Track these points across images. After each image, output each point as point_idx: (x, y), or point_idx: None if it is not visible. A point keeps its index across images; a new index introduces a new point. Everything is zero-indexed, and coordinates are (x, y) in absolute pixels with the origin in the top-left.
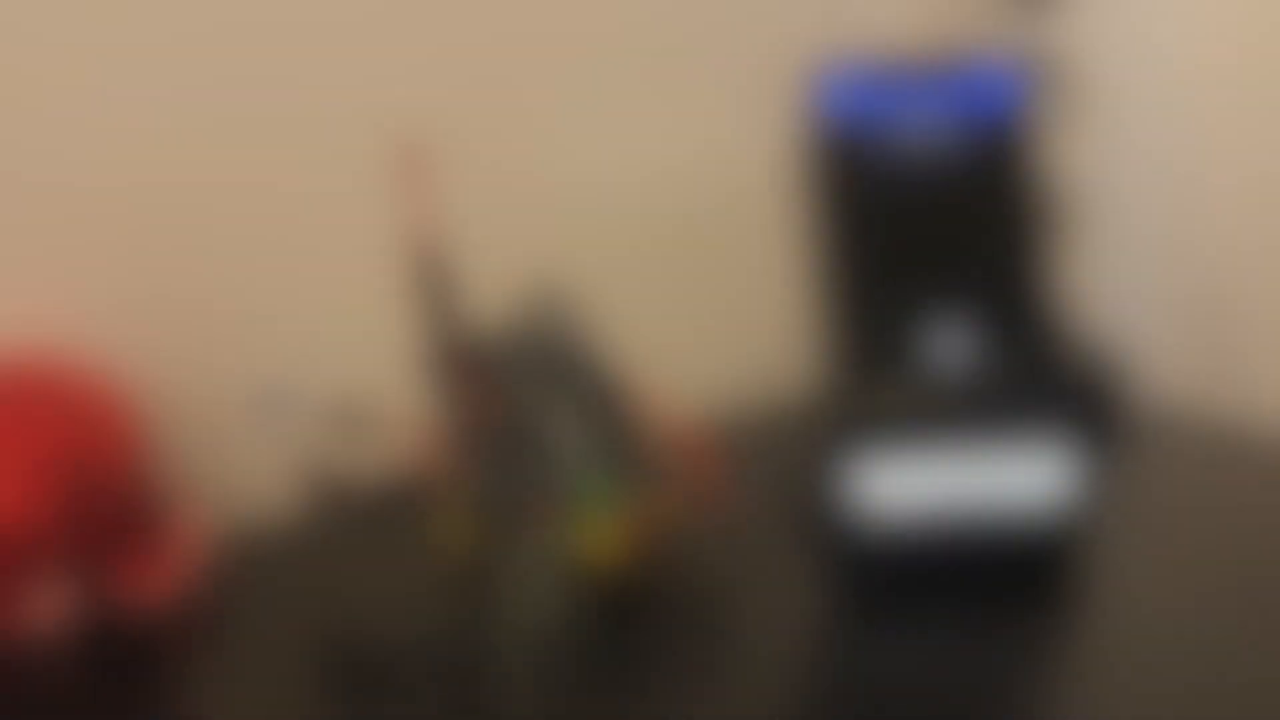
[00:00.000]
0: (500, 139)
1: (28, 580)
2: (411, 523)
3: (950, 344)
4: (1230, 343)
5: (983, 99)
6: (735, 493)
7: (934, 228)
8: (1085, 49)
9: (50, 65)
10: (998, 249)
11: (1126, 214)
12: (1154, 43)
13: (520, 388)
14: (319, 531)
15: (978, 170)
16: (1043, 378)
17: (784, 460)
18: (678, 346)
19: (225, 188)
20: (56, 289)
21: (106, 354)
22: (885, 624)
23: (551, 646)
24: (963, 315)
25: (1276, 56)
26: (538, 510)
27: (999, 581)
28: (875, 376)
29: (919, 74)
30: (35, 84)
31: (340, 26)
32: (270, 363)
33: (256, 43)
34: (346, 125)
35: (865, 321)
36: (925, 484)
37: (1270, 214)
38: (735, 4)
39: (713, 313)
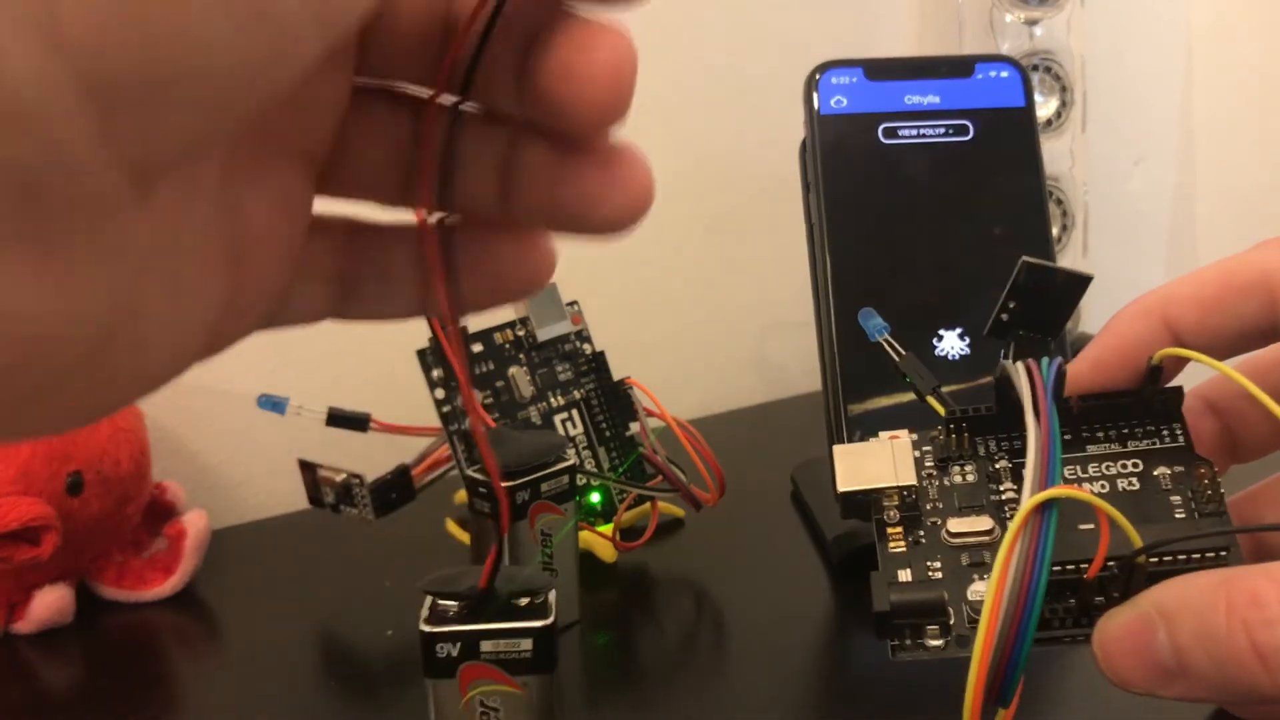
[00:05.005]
0: None
1: (27, 579)
2: (412, 520)
3: (950, 341)
4: None
5: (983, 99)
6: (736, 488)
7: (934, 226)
8: (1085, 49)
9: None
10: (998, 248)
11: (1126, 213)
12: (1155, 42)
13: (521, 386)
14: (319, 529)
15: (978, 168)
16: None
17: (785, 456)
18: (679, 343)
19: None
20: None
21: None
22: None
23: (553, 641)
24: (962, 313)
25: (1276, 55)
26: (539, 507)
27: None
28: (875, 372)
29: (919, 73)
30: None
31: None
32: (272, 362)
33: None
34: None
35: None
36: None
37: (1269, 214)
38: (736, 5)
39: (714, 310)
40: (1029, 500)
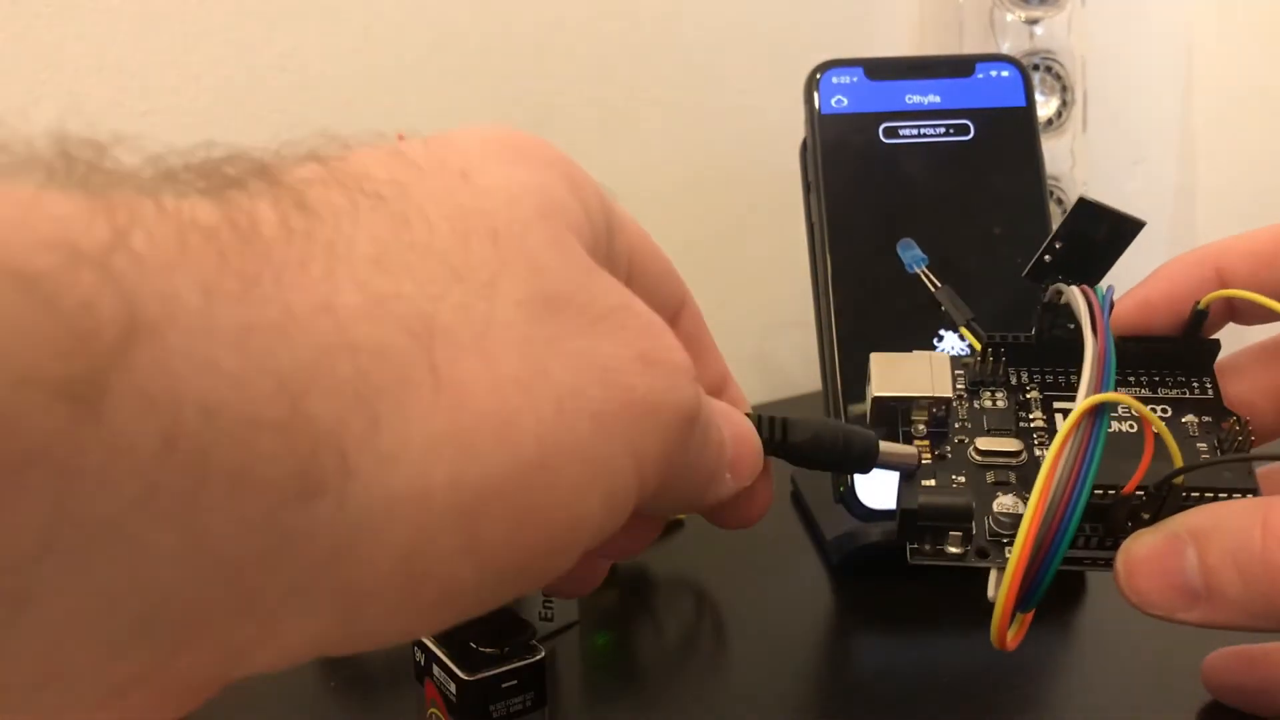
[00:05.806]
0: None
1: None
2: None
3: (950, 340)
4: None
5: (984, 98)
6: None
7: (934, 226)
8: (1086, 48)
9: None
10: (998, 247)
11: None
12: (1155, 42)
13: None
14: None
15: (978, 168)
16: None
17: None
18: None
19: None
20: None
21: None
22: (886, 617)
23: (554, 641)
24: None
25: (1276, 56)
26: None
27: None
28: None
29: (919, 73)
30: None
31: (361, 28)
32: None
33: (273, 38)
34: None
35: (864, 317)
36: None
37: (1269, 214)
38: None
39: (714, 310)
40: (1084, 400)
